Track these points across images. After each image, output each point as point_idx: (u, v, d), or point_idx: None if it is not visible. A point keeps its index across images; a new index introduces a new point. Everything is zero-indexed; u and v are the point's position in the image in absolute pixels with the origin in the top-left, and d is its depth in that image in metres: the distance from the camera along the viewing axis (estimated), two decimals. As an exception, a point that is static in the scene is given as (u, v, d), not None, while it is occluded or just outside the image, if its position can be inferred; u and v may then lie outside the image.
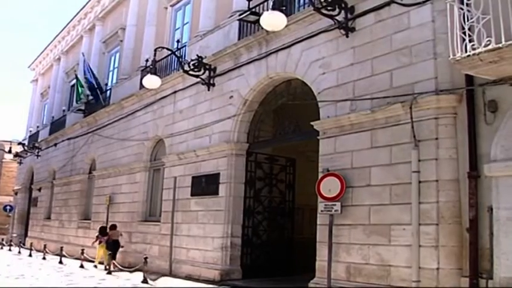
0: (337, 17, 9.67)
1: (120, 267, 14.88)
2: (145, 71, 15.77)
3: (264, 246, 12.99)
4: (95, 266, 16.32)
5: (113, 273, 14.64)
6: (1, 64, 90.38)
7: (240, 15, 12.74)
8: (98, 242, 16.45)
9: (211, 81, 13.65)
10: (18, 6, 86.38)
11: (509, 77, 7.04)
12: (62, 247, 19.08)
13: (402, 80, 8.61)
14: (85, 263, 16.72)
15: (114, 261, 15.14)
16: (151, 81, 13.58)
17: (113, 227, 16.33)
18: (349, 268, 9.05)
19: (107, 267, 15.04)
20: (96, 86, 20.97)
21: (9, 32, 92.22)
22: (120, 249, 15.92)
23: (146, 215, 16.57)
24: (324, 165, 9.84)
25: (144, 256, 13.30)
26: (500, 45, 6.35)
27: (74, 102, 24.79)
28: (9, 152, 34.46)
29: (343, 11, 9.64)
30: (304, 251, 11.70)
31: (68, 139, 24.07)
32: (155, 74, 13.59)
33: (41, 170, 28.06)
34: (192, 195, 13.78)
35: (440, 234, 7.76)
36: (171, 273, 13.78)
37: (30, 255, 21.68)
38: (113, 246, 15.59)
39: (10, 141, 36.75)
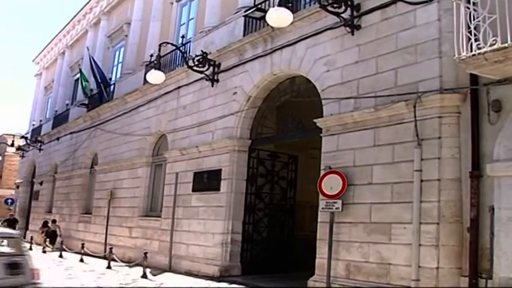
0: (342, 15, 9.66)
1: (54, 249, 20.22)
2: (149, 66, 15.76)
3: (264, 243, 12.99)
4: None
5: (47, 252, 19.66)
6: (5, 58, 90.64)
7: (245, 11, 12.75)
8: (41, 232, 22.36)
9: (216, 77, 13.66)
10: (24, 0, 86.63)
11: (514, 76, 7.03)
12: (62, 241, 19.13)
13: (407, 79, 8.60)
14: (85, 257, 16.74)
15: (49, 244, 20.65)
16: (156, 77, 13.60)
17: (54, 221, 22.44)
18: (349, 266, 9.05)
19: (43, 248, 20.24)
20: (100, 80, 20.96)
21: (15, 26, 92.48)
22: (58, 238, 21.06)
23: (147, 210, 16.59)
24: (326, 163, 9.84)
25: (144, 251, 13.32)
26: (506, 44, 6.34)
27: (78, 97, 24.81)
28: (12, 145, 34.55)
29: (349, 9, 9.62)
30: (304, 248, 11.70)
31: (71, 133, 24.12)
32: (159, 69, 13.62)
33: (43, 163, 28.10)
34: (193, 190, 13.79)
35: (440, 233, 7.75)
36: (170, 269, 13.79)
37: (30, 248, 21.65)
38: (51, 235, 21.42)
39: (13, 135, 36.84)
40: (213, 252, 12.60)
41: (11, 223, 23.96)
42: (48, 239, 21.15)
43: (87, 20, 26.47)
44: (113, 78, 21.93)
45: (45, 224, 22.91)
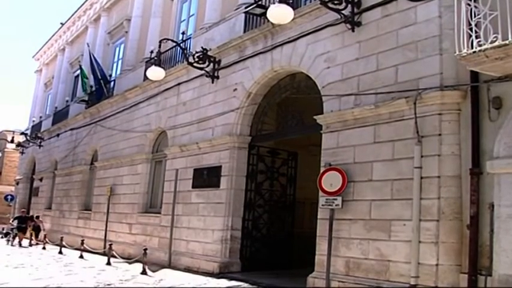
0: (343, 11, 9.63)
1: (40, 242, 21.58)
2: (149, 62, 15.75)
3: (264, 239, 12.98)
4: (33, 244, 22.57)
5: (33, 245, 21.74)
6: (5, 54, 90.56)
7: (246, 7, 12.73)
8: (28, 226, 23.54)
9: (216, 74, 13.63)
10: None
11: (514, 73, 7.02)
12: (62, 237, 19.14)
13: (407, 75, 8.58)
14: (85, 254, 16.75)
15: (36, 239, 22.55)
16: (156, 73, 13.58)
17: (37, 217, 23.93)
18: (348, 263, 9.05)
19: (31, 242, 22.43)
20: (100, 77, 20.92)
21: (15, 22, 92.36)
22: (42, 232, 22.76)
23: (147, 206, 16.58)
24: (326, 160, 9.84)
25: (144, 247, 13.32)
26: (506, 41, 6.30)
27: (78, 93, 24.76)
28: (12, 141, 34.55)
29: (349, 5, 9.60)
30: (303, 245, 11.70)
31: (71, 129, 24.10)
32: (159, 65, 13.60)
33: (42, 160, 28.10)
34: (193, 187, 13.78)
35: (440, 230, 7.75)
36: (170, 265, 13.79)
37: (30, 245, 21.77)
38: (36, 229, 23.08)
39: (13, 131, 36.84)
40: (213, 248, 12.60)
41: (22, 221, 22.85)
42: (33, 233, 22.94)
43: (87, 16, 26.43)
44: (113, 75, 21.90)
45: (31, 218, 23.77)
